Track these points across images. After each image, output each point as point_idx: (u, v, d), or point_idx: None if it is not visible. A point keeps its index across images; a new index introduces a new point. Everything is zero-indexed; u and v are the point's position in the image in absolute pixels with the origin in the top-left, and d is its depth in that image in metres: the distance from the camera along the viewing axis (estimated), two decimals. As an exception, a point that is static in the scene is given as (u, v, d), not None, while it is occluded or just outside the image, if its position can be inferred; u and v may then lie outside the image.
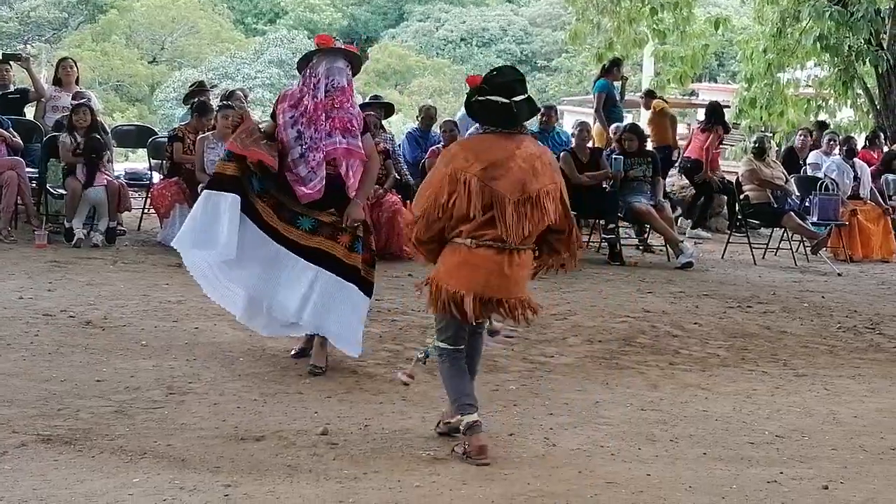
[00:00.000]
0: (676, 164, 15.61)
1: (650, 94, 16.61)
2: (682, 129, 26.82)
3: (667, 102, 16.51)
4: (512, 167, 5.25)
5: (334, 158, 6.62)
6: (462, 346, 5.53)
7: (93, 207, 10.96)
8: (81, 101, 11.62)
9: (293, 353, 7.14)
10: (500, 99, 5.31)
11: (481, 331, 5.65)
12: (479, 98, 5.36)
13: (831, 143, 15.51)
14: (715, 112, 15.25)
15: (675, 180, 16.11)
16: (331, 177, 6.59)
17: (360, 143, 6.69)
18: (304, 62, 6.73)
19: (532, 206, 5.27)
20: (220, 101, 12.35)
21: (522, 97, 5.38)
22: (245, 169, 6.55)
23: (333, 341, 6.79)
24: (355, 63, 6.84)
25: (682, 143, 16.56)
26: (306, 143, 6.56)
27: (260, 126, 6.75)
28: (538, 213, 5.29)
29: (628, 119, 15.91)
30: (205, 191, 6.76)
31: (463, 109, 14.70)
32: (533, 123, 14.34)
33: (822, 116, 18.93)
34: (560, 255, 5.59)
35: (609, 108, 15.60)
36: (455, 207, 5.23)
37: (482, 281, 5.27)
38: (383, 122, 12.57)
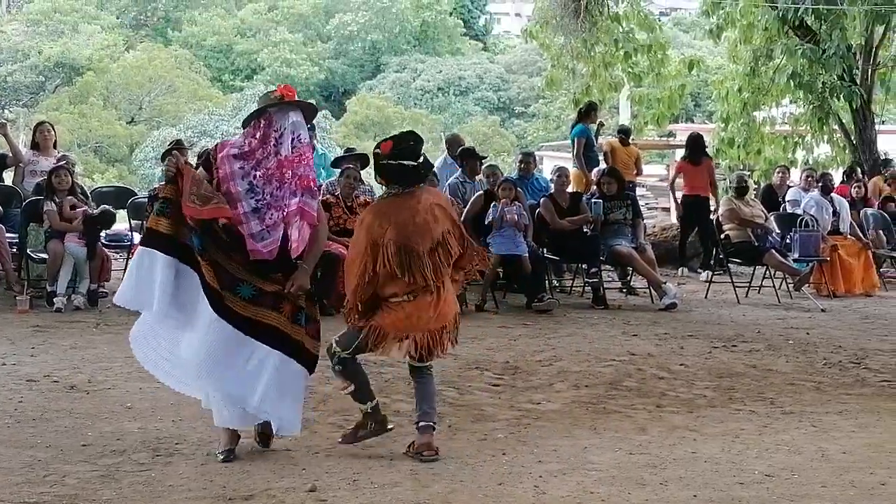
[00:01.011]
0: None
1: (623, 132, 16.70)
2: (660, 169, 27.04)
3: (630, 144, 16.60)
4: (418, 222, 6.10)
5: None
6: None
7: (74, 271, 10.94)
8: (60, 163, 11.64)
9: (223, 458, 6.19)
10: (410, 162, 6.16)
11: (429, 377, 6.42)
12: (391, 162, 6.17)
13: (808, 178, 15.60)
14: (697, 143, 15.49)
15: (655, 222, 16.19)
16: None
17: (315, 206, 6.25)
18: (260, 114, 6.20)
19: (441, 249, 6.16)
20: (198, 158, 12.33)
21: (422, 160, 6.24)
22: (180, 226, 6.04)
23: (276, 429, 6.30)
24: (310, 117, 6.42)
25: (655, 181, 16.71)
26: (264, 200, 6.07)
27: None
28: (446, 252, 6.18)
29: (602, 163, 15.99)
30: (140, 247, 6.27)
31: (442, 157, 14.85)
32: (512, 171, 14.41)
33: (800, 153, 19.04)
34: (461, 269, 6.47)
35: (586, 153, 15.68)
36: (381, 271, 6.05)
37: (426, 321, 6.18)
38: (361, 172, 12.59)
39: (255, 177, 6.07)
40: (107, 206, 11.65)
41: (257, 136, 6.13)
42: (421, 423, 6.28)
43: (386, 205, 6.25)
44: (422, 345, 6.18)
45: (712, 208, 15.31)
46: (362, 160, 13.16)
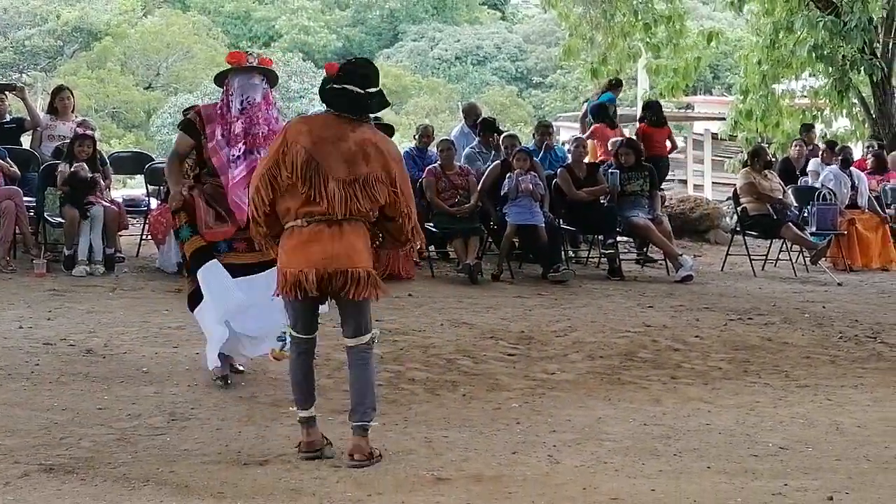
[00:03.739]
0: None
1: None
2: (678, 141, 26.92)
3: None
4: (342, 147, 5.47)
5: None
6: (308, 336, 5.67)
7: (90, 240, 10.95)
8: (87, 131, 11.62)
9: (224, 380, 7.01)
10: (356, 89, 5.52)
11: (364, 361, 5.62)
12: (335, 86, 5.56)
13: (825, 153, 15.53)
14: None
15: (672, 193, 16.12)
16: None
17: None
18: (220, 82, 6.94)
19: (359, 188, 5.46)
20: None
21: (375, 90, 5.59)
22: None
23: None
24: (271, 77, 6.99)
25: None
26: (238, 162, 6.72)
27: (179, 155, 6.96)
28: (365, 196, 5.47)
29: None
30: (200, 270, 6.81)
31: (459, 126, 14.83)
32: (529, 142, 14.38)
33: (819, 126, 18.93)
34: (396, 241, 5.80)
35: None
36: (283, 177, 5.44)
37: (320, 255, 5.42)
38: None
39: (228, 141, 6.74)
40: (78, 165, 11.51)
41: (222, 101, 6.85)
42: (353, 424, 5.56)
43: (317, 118, 5.75)
44: (317, 278, 5.39)
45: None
46: (387, 131, 13.16)
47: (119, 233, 11.45)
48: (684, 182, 22.90)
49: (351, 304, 5.52)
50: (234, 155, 6.71)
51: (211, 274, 6.76)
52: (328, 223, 5.43)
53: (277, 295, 5.64)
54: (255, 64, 6.98)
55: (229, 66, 6.89)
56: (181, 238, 6.94)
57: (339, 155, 5.44)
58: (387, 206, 5.58)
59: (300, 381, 5.68)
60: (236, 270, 6.77)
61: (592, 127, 15.51)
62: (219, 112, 6.84)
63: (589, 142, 15.01)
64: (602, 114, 15.50)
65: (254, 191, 5.57)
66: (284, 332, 5.85)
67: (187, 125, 6.96)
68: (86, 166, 11.02)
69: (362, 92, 5.53)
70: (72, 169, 10.94)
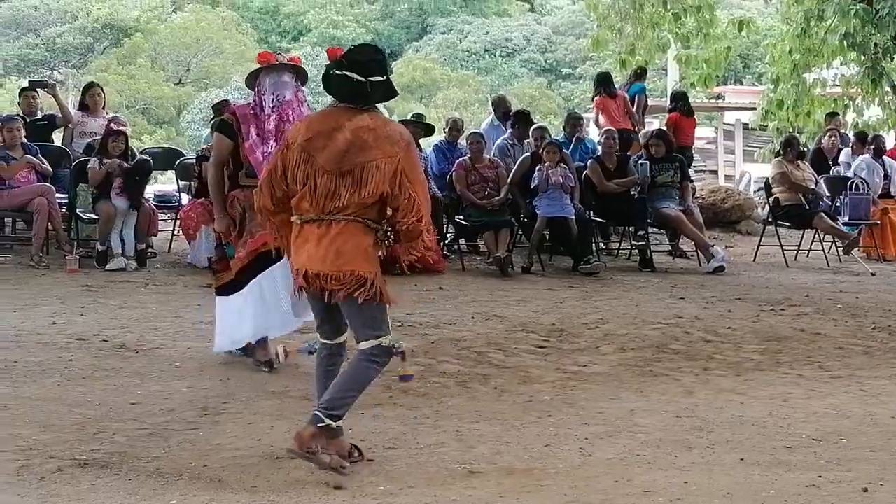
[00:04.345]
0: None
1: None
2: (709, 131, 26.81)
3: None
4: (337, 137, 5.16)
5: None
6: (327, 341, 5.46)
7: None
8: (121, 128, 11.67)
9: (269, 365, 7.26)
10: (356, 76, 5.23)
11: (359, 363, 5.25)
12: (337, 72, 5.29)
13: (855, 145, 15.42)
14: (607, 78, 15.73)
15: (703, 184, 16.05)
16: None
17: None
18: (253, 81, 7.00)
19: (353, 179, 5.12)
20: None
21: (379, 79, 5.27)
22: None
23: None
24: (301, 75, 7.06)
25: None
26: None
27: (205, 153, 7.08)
28: (359, 184, 5.12)
29: (653, 125, 15.87)
30: (251, 283, 6.97)
31: (489, 119, 14.82)
32: (559, 134, 14.34)
33: (850, 115, 18.81)
34: (399, 232, 5.26)
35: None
36: (286, 177, 5.24)
37: (306, 255, 5.19)
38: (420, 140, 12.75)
39: (263, 139, 6.82)
40: (142, 156, 11.67)
41: (254, 101, 6.95)
42: (315, 412, 5.23)
43: (318, 113, 5.61)
44: (308, 279, 5.16)
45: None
46: (427, 129, 13.28)
47: (150, 235, 11.49)
48: (715, 173, 22.82)
49: (344, 306, 5.26)
50: (265, 152, 6.74)
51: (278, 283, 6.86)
52: (317, 223, 5.17)
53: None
54: (284, 62, 7.05)
55: (259, 66, 6.99)
56: (229, 254, 7.12)
57: (334, 146, 5.15)
58: (387, 198, 5.18)
59: (316, 382, 5.52)
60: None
61: (595, 100, 15.55)
62: (252, 111, 6.92)
63: (592, 115, 15.09)
64: (604, 85, 15.51)
65: (259, 193, 5.41)
66: (308, 343, 5.71)
67: (224, 125, 7.06)
68: (144, 156, 11.24)
69: (363, 80, 5.22)
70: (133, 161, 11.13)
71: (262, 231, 6.56)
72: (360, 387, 5.28)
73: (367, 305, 5.16)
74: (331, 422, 5.18)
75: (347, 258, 5.12)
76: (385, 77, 5.31)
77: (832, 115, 17.30)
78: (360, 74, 5.22)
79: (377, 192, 5.13)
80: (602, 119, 15.27)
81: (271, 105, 6.84)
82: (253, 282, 6.95)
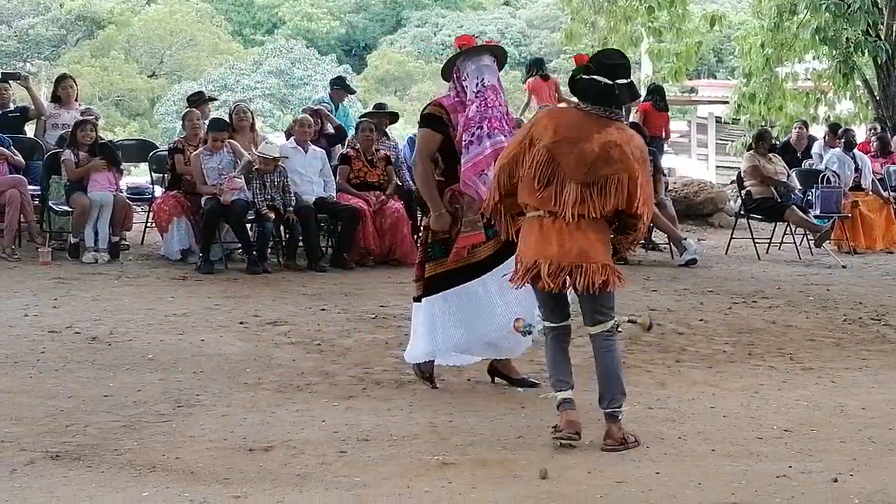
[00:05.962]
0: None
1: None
2: (682, 125, 26.90)
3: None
4: (585, 149, 5.42)
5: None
6: (555, 324, 5.82)
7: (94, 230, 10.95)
8: (87, 117, 11.64)
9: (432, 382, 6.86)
10: (604, 80, 5.46)
11: (607, 349, 5.76)
12: (584, 77, 5.52)
13: (828, 136, 15.52)
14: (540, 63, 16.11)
15: (676, 178, 16.11)
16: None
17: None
18: (450, 68, 6.69)
19: (596, 191, 5.44)
20: (230, 114, 12.27)
21: (625, 81, 5.52)
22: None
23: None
24: (500, 58, 6.71)
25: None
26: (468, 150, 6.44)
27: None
28: (601, 199, 5.45)
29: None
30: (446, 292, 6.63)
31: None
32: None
33: (822, 109, 18.92)
34: (626, 232, 5.74)
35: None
36: (524, 171, 5.51)
37: (555, 248, 5.49)
38: (386, 129, 12.80)
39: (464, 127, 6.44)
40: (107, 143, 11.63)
41: (456, 90, 6.59)
42: (603, 412, 5.66)
43: (567, 114, 5.73)
44: (550, 272, 5.49)
45: None
46: (391, 118, 13.31)
47: (124, 229, 11.44)
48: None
49: (588, 295, 5.63)
50: (468, 141, 6.41)
51: (444, 306, 6.61)
52: (559, 218, 5.48)
53: (513, 282, 5.74)
54: (483, 43, 6.77)
55: (454, 54, 6.69)
56: (430, 258, 6.65)
57: (581, 156, 5.42)
58: (623, 208, 5.54)
59: (553, 360, 5.82)
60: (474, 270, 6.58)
61: (527, 82, 15.72)
62: (457, 100, 6.58)
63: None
64: (537, 67, 15.71)
65: (494, 178, 5.71)
66: (530, 326, 5.99)
67: (432, 119, 6.62)
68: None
69: (611, 83, 5.47)
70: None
71: (473, 231, 6.43)
72: (620, 366, 5.81)
73: (605, 292, 5.66)
74: (621, 410, 5.64)
75: (595, 249, 5.53)
76: (629, 79, 5.59)
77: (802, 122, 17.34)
78: (608, 77, 5.47)
79: (619, 204, 5.49)
80: (534, 101, 15.41)
81: (475, 91, 6.46)
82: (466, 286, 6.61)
